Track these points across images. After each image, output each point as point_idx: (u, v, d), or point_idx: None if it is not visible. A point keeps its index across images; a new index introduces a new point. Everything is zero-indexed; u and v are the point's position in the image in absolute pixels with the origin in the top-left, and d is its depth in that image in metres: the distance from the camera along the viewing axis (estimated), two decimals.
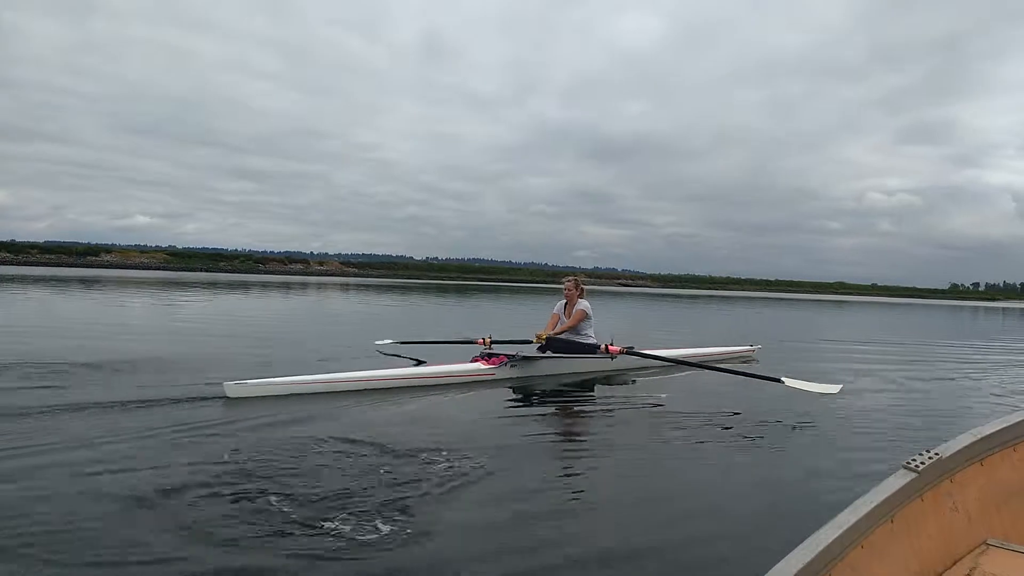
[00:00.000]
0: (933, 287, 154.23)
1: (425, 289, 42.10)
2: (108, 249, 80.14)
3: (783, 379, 5.81)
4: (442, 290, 41.43)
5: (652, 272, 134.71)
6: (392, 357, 7.64)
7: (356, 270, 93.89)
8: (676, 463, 4.01)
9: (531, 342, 7.26)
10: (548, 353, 7.05)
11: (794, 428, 5.05)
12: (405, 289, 40.35)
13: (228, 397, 5.08)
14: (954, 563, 1.95)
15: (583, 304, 7.22)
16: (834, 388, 5.74)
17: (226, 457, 3.56)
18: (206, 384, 5.52)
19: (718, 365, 6.56)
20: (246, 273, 70.20)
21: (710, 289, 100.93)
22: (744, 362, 8.98)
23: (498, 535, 2.72)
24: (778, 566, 1.38)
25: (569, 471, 3.77)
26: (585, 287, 7.55)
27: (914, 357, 11.06)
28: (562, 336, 7.11)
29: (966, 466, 2.13)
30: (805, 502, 3.31)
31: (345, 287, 40.39)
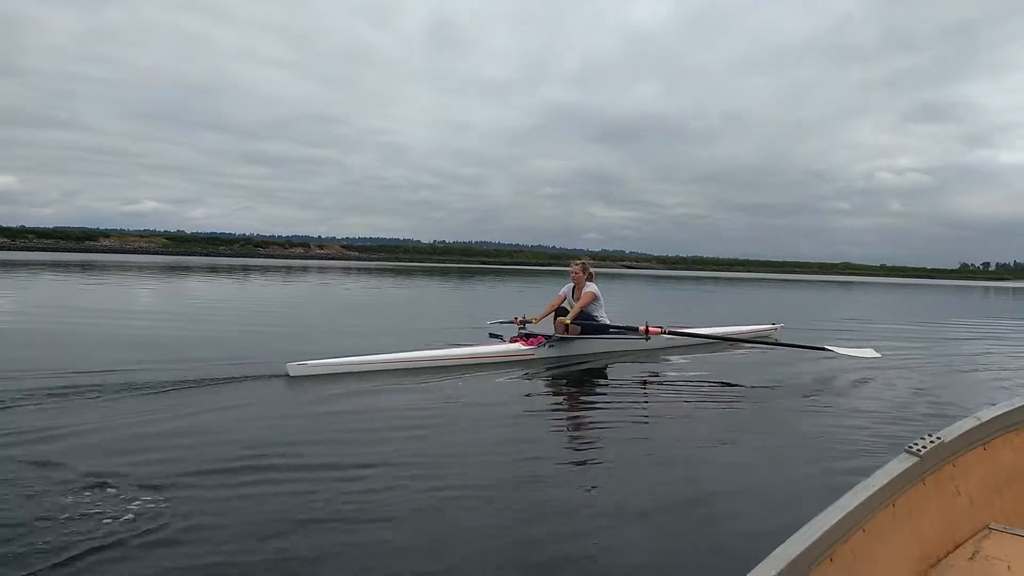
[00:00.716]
0: (943, 267, 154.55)
1: (428, 272, 42.48)
2: (107, 234, 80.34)
3: (827, 347, 6.28)
4: (444, 273, 41.80)
5: (660, 254, 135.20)
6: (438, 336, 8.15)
7: (358, 253, 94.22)
8: (710, 436, 4.39)
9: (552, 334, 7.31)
10: (585, 335, 7.36)
11: (823, 403, 5.45)
12: (408, 272, 40.74)
13: (290, 376, 5.50)
14: (956, 547, 1.98)
15: (592, 287, 7.48)
16: (876, 353, 6.25)
17: (294, 432, 4.00)
18: (271, 363, 5.95)
19: (756, 339, 6.93)
20: (246, 257, 70.56)
21: (716, 271, 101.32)
22: (767, 339, 9.41)
23: (540, 512, 2.90)
24: (779, 549, 1.41)
25: (608, 447, 4.18)
26: (593, 271, 7.78)
27: (922, 337, 11.47)
28: (585, 319, 7.36)
29: (968, 450, 2.15)
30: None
31: (347, 271, 40.77)
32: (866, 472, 1.83)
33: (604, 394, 5.77)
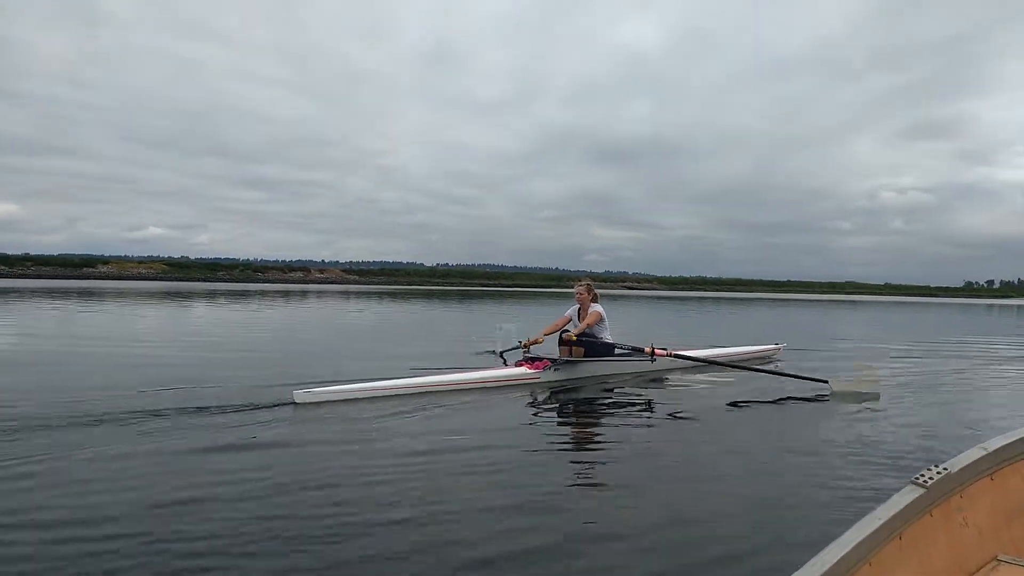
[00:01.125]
0: (947, 285, 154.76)
1: (428, 295, 42.56)
2: (105, 260, 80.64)
3: (829, 380, 6.27)
4: (445, 296, 41.89)
5: (663, 275, 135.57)
6: (438, 360, 8.25)
7: (357, 277, 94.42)
8: (712, 461, 4.43)
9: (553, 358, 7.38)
10: (591, 358, 7.45)
11: (826, 433, 5.47)
12: (408, 296, 40.84)
13: (296, 403, 5.53)
14: None
15: (597, 307, 7.61)
16: (876, 390, 6.16)
17: (299, 459, 4.05)
18: (274, 389, 6.00)
19: (759, 367, 6.95)
20: (245, 282, 70.68)
21: (718, 291, 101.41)
22: (770, 360, 9.48)
23: (538, 536, 2.94)
24: None
25: (614, 469, 4.22)
26: (598, 292, 7.90)
27: (927, 356, 11.49)
28: (591, 340, 7.46)
29: (975, 480, 2.13)
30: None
31: (347, 295, 40.87)
32: (871, 502, 1.86)
33: (610, 416, 5.79)
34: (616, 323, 8.04)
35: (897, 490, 1.89)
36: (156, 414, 5.00)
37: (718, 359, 7.83)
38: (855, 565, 1.59)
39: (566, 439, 5.00)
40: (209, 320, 16.90)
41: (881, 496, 1.87)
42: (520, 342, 7.57)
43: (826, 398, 6.49)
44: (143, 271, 78.11)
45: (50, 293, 28.67)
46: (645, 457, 4.41)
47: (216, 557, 2.62)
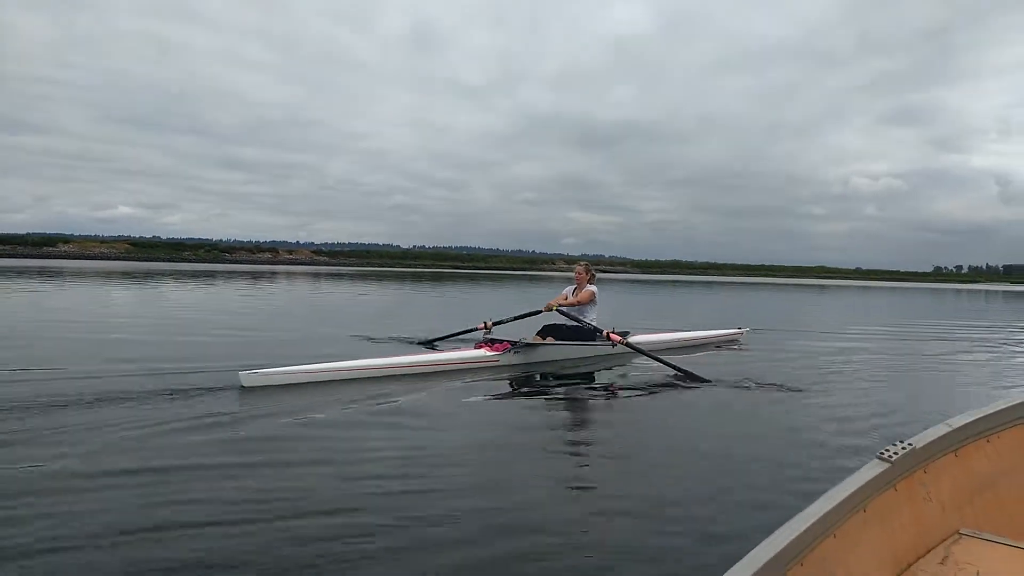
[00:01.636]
0: (917, 270, 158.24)
1: (400, 277, 42.24)
2: (67, 239, 78.68)
3: (711, 381, 6.20)
4: (418, 278, 41.61)
5: (639, 258, 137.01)
6: (401, 344, 8.13)
7: (327, 259, 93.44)
8: (672, 439, 4.44)
9: (538, 311, 7.77)
10: (548, 339, 7.44)
11: (785, 411, 5.49)
12: (379, 278, 40.48)
13: (243, 387, 5.36)
14: (927, 552, 2.02)
15: (591, 287, 7.75)
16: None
17: (240, 446, 3.89)
18: (219, 373, 5.82)
19: (669, 362, 6.81)
20: (211, 263, 69.55)
21: (691, 274, 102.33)
22: (733, 344, 9.55)
23: (496, 518, 2.93)
24: (749, 555, 1.42)
25: (575, 456, 4.19)
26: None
27: (891, 340, 11.68)
28: (570, 311, 7.51)
29: (940, 456, 2.19)
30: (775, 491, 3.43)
31: (316, 276, 40.40)
32: (835, 478, 1.85)
33: (568, 399, 5.75)
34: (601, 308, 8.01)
35: (863, 465, 1.92)
36: (73, 398, 4.81)
37: (653, 353, 7.63)
38: (819, 536, 1.62)
39: (521, 423, 4.87)
40: (162, 300, 16.51)
41: (844, 472, 1.89)
42: (483, 323, 7.51)
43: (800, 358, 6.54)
44: (105, 251, 76.41)
45: (3, 273, 27.85)
46: (600, 439, 4.40)
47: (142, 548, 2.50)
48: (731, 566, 1.37)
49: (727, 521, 2.96)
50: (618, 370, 7.30)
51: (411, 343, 8.42)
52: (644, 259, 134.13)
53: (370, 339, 8.71)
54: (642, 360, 7.36)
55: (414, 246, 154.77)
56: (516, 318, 7.92)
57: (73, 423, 4.15)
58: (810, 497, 1.72)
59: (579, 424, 4.96)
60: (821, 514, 1.63)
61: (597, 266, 8.65)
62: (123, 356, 6.77)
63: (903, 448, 2.00)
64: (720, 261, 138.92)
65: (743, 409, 5.47)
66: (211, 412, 4.58)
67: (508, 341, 7.10)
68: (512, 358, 7.03)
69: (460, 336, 8.26)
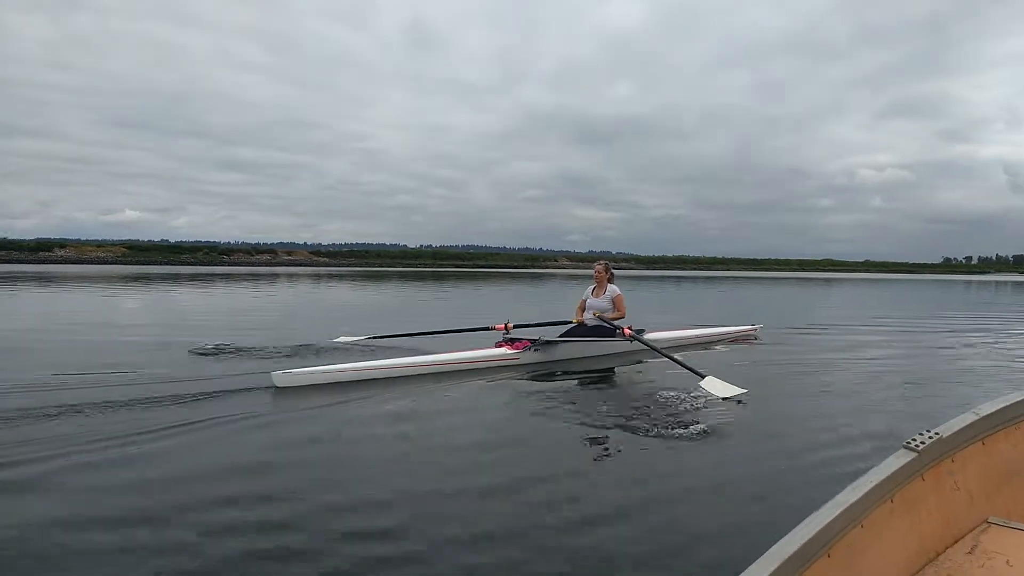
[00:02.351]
0: (926, 262, 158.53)
1: (403, 277, 42.46)
2: (63, 244, 79.01)
3: (705, 376, 6.19)
4: (421, 278, 41.83)
5: (646, 254, 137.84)
6: (425, 342, 8.34)
7: (327, 259, 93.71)
8: (691, 434, 4.54)
9: (563, 323, 7.97)
10: (568, 337, 7.67)
11: (812, 405, 5.72)
12: (382, 278, 40.71)
13: (276, 387, 5.60)
14: (955, 541, 2.01)
15: (617, 290, 7.89)
16: (740, 391, 6.06)
17: (276, 445, 4.10)
18: (253, 374, 6.08)
19: (683, 362, 6.89)
20: (210, 265, 69.83)
21: (696, 270, 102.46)
22: (748, 340, 9.80)
23: (523, 522, 2.99)
24: (775, 547, 1.43)
25: (591, 448, 4.37)
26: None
27: (904, 333, 11.89)
28: (608, 321, 7.66)
29: (967, 445, 2.18)
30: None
31: (317, 277, 40.63)
32: (858, 469, 1.96)
33: (588, 397, 5.95)
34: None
35: (889, 455, 1.94)
36: (122, 402, 5.03)
37: (665, 350, 7.84)
38: (846, 527, 1.64)
39: (544, 421, 4.99)
40: (185, 303, 16.74)
41: (868, 464, 1.93)
42: (501, 325, 7.72)
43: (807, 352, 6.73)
44: (102, 255, 76.70)
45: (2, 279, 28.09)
46: (620, 437, 4.51)
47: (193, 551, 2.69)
48: (758, 556, 1.39)
49: (747, 517, 3.07)
50: (636, 364, 7.52)
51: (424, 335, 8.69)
52: (650, 255, 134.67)
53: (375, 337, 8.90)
54: (658, 356, 7.59)
55: (421, 245, 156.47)
56: (538, 325, 8.09)
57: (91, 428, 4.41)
58: (827, 489, 1.79)
59: (595, 420, 5.10)
60: (848, 504, 1.65)
61: (617, 263, 8.83)
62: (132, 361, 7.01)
63: (930, 437, 2.01)
64: (727, 255, 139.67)
65: (760, 402, 5.68)
66: (247, 412, 4.82)
67: (528, 340, 7.34)
68: (532, 356, 7.26)
69: (476, 332, 8.46)
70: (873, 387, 6.34)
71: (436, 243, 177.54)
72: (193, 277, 35.01)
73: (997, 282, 59.64)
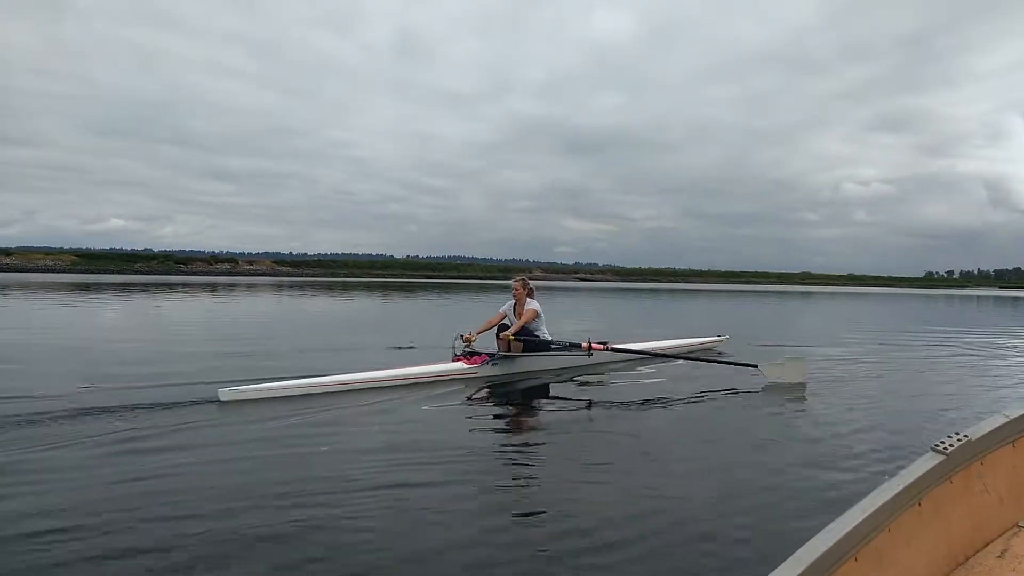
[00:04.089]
0: (909, 275, 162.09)
1: (368, 287, 42.31)
2: (8, 252, 77.33)
3: (759, 365, 6.69)
4: (384, 288, 41.76)
5: (634, 265, 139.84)
6: (380, 357, 8.46)
7: (290, 269, 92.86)
8: (659, 454, 4.77)
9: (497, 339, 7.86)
10: (528, 352, 7.78)
11: (773, 416, 5.93)
12: (345, 287, 40.55)
13: (221, 401, 5.67)
14: (985, 545, 2.03)
15: (533, 304, 7.90)
16: (803, 378, 6.51)
17: (219, 461, 4.15)
18: (199, 386, 6.14)
19: (692, 355, 7.32)
20: (165, 274, 68.82)
21: (672, 282, 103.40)
22: (711, 352, 10.01)
23: (480, 532, 3.15)
24: (801, 550, 1.46)
25: (551, 467, 4.51)
26: (541, 284, 8.33)
27: (873, 346, 12.21)
28: (526, 337, 7.75)
29: (996, 448, 2.18)
30: (801, 493, 3.75)
31: (279, 287, 40.33)
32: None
33: (547, 411, 6.13)
34: (569, 317, 8.34)
35: (917, 458, 1.99)
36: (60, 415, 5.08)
37: (654, 351, 8.26)
38: (874, 530, 1.68)
39: (501, 437, 5.23)
40: (137, 314, 16.55)
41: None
42: (463, 335, 7.79)
43: (759, 385, 7.00)
44: (50, 263, 75.14)
45: None
46: (581, 452, 4.69)
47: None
48: (783, 560, 1.43)
49: (707, 531, 3.24)
50: (594, 376, 7.70)
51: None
52: (639, 267, 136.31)
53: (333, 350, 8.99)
54: (619, 369, 7.79)
55: (407, 255, 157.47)
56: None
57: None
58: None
59: (554, 435, 5.24)
60: (875, 507, 1.68)
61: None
62: (89, 372, 6.99)
63: (959, 440, 2.02)
64: (715, 268, 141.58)
65: (724, 415, 5.90)
66: (189, 429, 4.87)
67: (486, 353, 7.46)
68: (490, 370, 7.40)
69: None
70: (812, 403, 6.52)
71: (424, 253, 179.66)
72: (123, 287, 34.53)
73: (979, 296, 60.95)
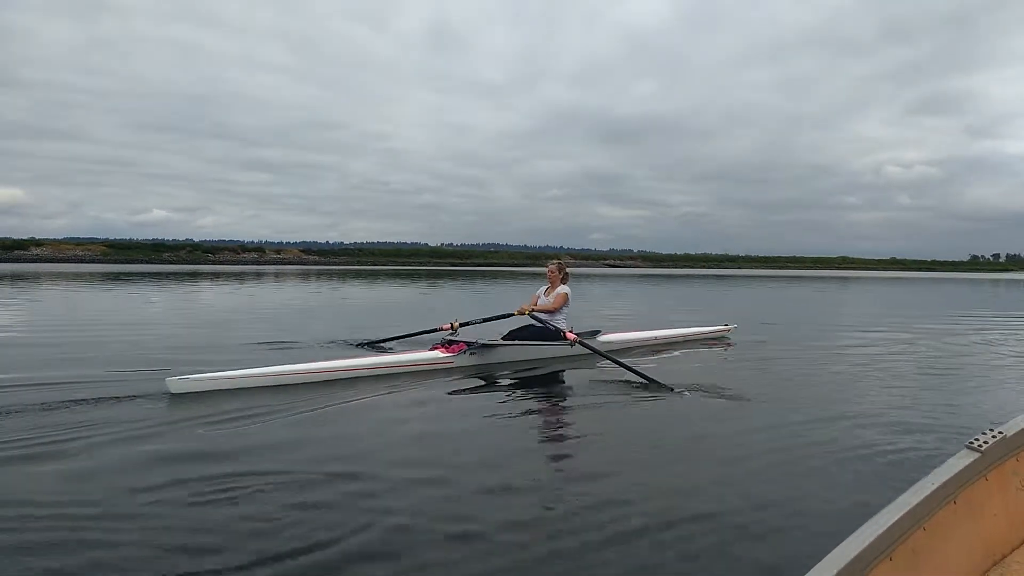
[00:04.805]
0: (954, 259, 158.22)
1: (394, 276, 42.33)
2: (39, 243, 79.20)
3: (675, 389, 5.99)
4: (414, 276, 41.72)
5: (669, 252, 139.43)
6: (349, 347, 8.26)
7: (317, 257, 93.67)
8: (631, 443, 4.43)
9: (510, 315, 7.77)
10: (510, 341, 7.49)
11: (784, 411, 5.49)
12: (373, 276, 40.61)
13: (171, 393, 5.37)
14: (1021, 543, 2.02)
15: (564, 288, 7.79)
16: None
17: (162, 458, 3.84)
18: (147, 379, 5.87)
19: (631, 366, 6.65)
20: (194, 263, 69.87)
21: (703, 267, 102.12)
22: (719, 341, 9.59)
23: (435, 523, 3.00)
24: (836, 550, 1.46)
25: (518, 460, 4.14)
26: (569, 271, 8.16)
27: (899, 333, 11.65)
28: (540, 315, 7.57)
29: None
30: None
31: (305, 275, 40.52)
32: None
33: (526, 401, 5.76)
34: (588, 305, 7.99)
35: (951, 455, 1.95)
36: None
37: (649, 342, 7.77)
38: (908, 529, 1.66)
39: (469, 430, 4.77)
40: (147, 302, 16.57)
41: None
42: (450, 323, 7.72)
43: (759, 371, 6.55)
44: (80, 253, 76.79)
45: None
46: (556, 444, 4.49)
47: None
48: (817, 561, 1.41)
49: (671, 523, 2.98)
50: (577, 369, 7.29)
51: (352, 345, 8.51)
52: (675, 252, 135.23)
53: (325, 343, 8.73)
54: (604, 360, 7.41)
55: (441, 244, 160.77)
56: (486, 320, 7.97)
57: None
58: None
59: (529, 427, 4.92)
60: (910, 506, 1.66)
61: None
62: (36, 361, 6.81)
63: (993, 436, 2.01)
64: (752, 254, 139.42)
65: (699, 419, 5.46)
66: (132, 424, 4.55)
67: (464, 342, 7.12)
68: (467, 360, 7.04)
69: (418, 336, 8.29)
70: (810, 404, 6.09)
71: (457, 241, 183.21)
72: (158, 276, 34.91)
73: None
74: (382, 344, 8.50)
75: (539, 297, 7.96)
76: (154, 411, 4.94)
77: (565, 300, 7.72)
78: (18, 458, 3.79)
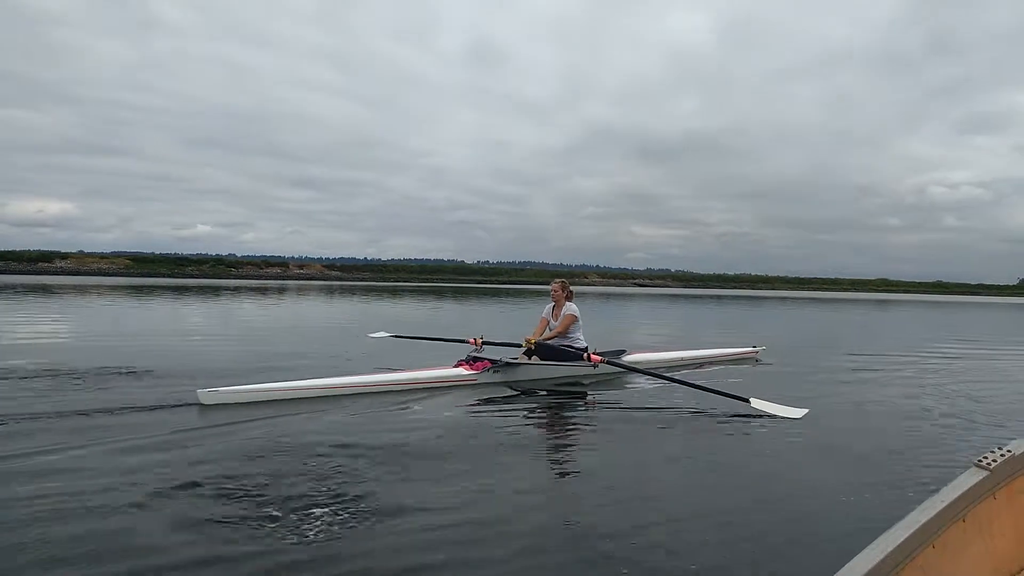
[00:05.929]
0: (1000, 283, 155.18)
1: (417, 292, 42.66)
2: (64, 255, 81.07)
3: (751, 400, 6.18)
4: (438, 293, 42.01)
5: (707, 272, 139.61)
6: (377, 360, 8.54)
7: (340, 273, 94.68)
8: (652, 464, 4.57)
9: (520, 345, 7.93)
10: (533, 359, 7.67)
11: (789, 439, 5.58)
12: (394, 292, 40.97)
13: (202, 404, 5.66)
14: None
15: (571, 308, 7.98)
16: (799, 413, 5.96)
17: (195, 466, 4.06)
18: (180, 391, 6.16)
19: (693, 382, 6.77)
20: (216, 278, 70.97)
21: (736, 288, 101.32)
22: (746, 363, 9.69)
23: (454, 539, 3.12)
24: (846, 567, 1.50)
25: (543, 480, 4.34)
26: (573, 289, 8.39)
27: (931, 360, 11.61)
28: (551, 342, 7.77)
29: None
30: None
31: (329, 290, 41.03)
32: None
33: (547, 421, 5.93)
34: (604, 324, 8.15)
35: (960, 473, 2.00)
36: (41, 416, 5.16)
37: (674, 363, 7.96)
38: (918, 547, 1.70)
39: (494, 447, 4.91)
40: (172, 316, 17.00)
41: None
42: (474, 339, 8.00)
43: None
44: (104, 266, 78.42)
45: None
46: (575, 465, 4.57)
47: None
48: None
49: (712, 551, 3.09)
50: (601, 390, 7.38)
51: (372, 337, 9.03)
52: (713, 272, 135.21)
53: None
54: (631, 379, 7.54)
55: (477, 261, 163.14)
56: (502, 344, 8.29)
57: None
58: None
59: (551, 446, 5.10)
60: (919, 524, 1.71)
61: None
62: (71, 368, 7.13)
63: (1002, 455, 2.05)
64: (791, 275, 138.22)
65: (721, 430, 5.60)
66: (166, 433, 4.81)
67: (488, 360, 7.33)
68: (491, 377, 7.26)
69: (441, 344, 8.71)
70: (838, 424, 6.20)
71: (494, 259, 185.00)
72: (178, 289, 35.57)
73: None
74: (408, 337, 9.46)
75: (548, 320, 8.14)
76: (185, 419, 5.25)
77: (573, 320, 7.91)
78: (41, 463, 4.08)
